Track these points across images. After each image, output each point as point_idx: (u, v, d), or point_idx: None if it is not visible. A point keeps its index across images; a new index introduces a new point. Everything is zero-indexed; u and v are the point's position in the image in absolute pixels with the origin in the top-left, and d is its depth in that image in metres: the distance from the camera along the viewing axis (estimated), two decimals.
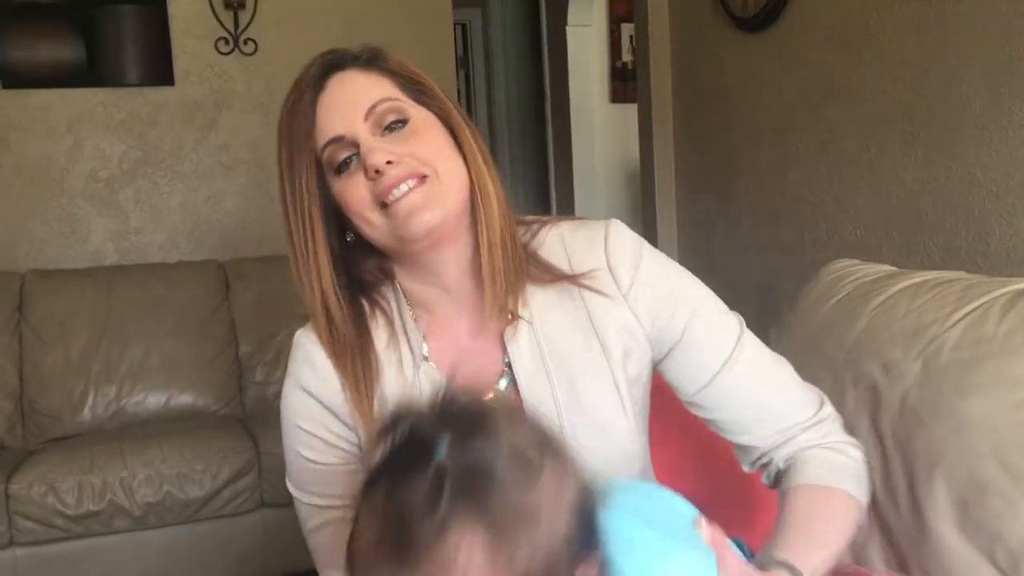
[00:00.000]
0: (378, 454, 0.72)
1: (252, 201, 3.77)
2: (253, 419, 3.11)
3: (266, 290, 3.36)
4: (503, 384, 1.10)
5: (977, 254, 2.14)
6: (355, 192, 1.04)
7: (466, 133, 1.09)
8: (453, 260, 1.09)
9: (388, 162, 1.01)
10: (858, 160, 2.54)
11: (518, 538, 0.65)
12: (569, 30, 5.49)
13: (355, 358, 1.08)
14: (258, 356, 3.31)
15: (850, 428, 1.36)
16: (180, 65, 3.65)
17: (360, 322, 1.11)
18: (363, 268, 1.13)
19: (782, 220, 2.90)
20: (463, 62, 5.87)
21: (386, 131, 1.05)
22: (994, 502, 1.14)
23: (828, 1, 2.62)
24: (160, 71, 3.61)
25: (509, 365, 1.09)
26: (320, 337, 1.09)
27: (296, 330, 1.14)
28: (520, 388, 1.08)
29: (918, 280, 1.43)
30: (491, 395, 1.09)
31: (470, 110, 5.91)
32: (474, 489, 0.65)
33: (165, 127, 3.66)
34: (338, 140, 1.04)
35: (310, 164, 1.05)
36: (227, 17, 3.66)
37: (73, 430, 3.01)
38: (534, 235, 1.15)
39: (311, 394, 1.10)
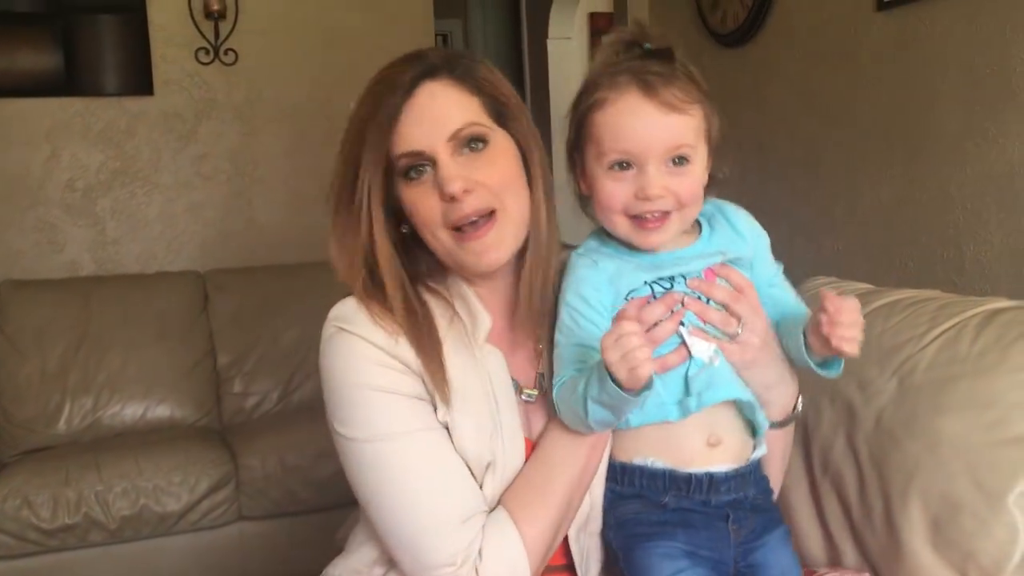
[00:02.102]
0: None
1: (232, 212, 3.75)
2: (231, 431, 3.09)
3: (245, 301, 3.35)
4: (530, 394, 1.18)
5: (952, 270, 2.16)
6: (425, 203, 1.08)
7: (536, 163, 1.16)
8: (497, 280, 1.17)
9: (464, 191, 1.05)
10: (836, 175, 2.56)
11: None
12: (550, 43, 5.50)
13: (421, 328, 1.09)
14: (237, 367, 3.29)
15: (826, 445, 1.38)
16: (159, 74, 3.63)
17: (417, 301, 1.13)
18: (417, 256, 1.16)
19: None
20: None
21: (465, 149, 1.08)
22: (967, 520, 1.15)
23: (806, 18, 2.65)
24: (139, 80, 3.59)
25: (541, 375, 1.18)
26: (385, 308, 1.09)
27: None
28: None
29: (894, 298, 1.44)
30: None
31: None
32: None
33: (144, 137, 3.64)
34: (416, 155, 1.07)
35: (378, 161, 1.07)
36: (207, 27, 3.65)
37: (48, 442, 2.98)
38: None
39: (381, 348, 1.08)
